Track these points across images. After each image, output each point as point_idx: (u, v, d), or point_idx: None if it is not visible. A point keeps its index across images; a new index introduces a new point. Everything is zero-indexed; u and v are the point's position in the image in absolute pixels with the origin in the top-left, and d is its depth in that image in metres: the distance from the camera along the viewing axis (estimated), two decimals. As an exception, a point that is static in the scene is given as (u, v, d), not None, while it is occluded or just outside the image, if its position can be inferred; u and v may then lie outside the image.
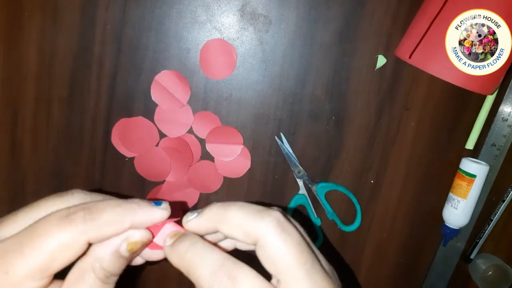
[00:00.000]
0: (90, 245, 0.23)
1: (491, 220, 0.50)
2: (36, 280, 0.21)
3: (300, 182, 0.49)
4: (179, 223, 0.26)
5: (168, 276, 0.51)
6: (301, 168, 0.49)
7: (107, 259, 0.23)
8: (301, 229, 0.24)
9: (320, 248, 0.25)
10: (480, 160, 0.48)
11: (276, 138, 0.48)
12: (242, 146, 0.48)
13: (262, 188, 0.49)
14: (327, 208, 0.50)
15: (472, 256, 0.51)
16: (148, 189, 0.49)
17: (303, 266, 0.22)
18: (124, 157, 0.48)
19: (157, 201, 0.25)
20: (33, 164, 0.49)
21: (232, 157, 0.48)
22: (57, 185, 0.49)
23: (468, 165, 0.47)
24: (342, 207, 0.50)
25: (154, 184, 0.49)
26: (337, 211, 0.50)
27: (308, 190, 0.49)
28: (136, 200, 0.24)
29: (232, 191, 0.49)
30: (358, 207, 0.50)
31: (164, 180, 0.49)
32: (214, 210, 0.24)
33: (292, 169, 0.49)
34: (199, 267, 0.23)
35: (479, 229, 0.51)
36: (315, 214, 0.50)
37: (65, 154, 0.49)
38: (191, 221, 0.25)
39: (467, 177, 0.47)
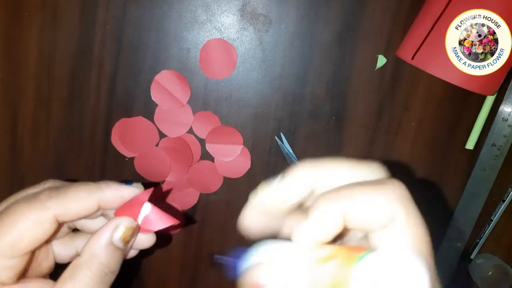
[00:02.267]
0: (60, 225, 0.23)
1: (491, 220, 0.50)
2: (8, 258, 0.22)
3: (300, 182, 0.49)
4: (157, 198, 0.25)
5: (168, 276, 0.51)
6: (301, 168, 0.49)
7: (103, 253, 0.23)
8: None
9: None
10: (480, 160, 0.48)
11: (276, 138, 0.48)
12: (242, 146, 0.48)
13: (262, 188, 0.49)
14: (327, 208, 0.50)
15: (472, 256, 0.51)
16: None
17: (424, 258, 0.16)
18: (124, 157, 0.48)
19: (127, 182, 0.25)
20: (33, 164, 0.49)
21: (232, 157, 0.48)
22: (57, 185, 0.49)
23: None
24: (342, 207, 0.50)
25: (154, 184, 0.49)
26: (337, 211, 0.50)
27: (308, 190, 0.49)
28: (105, 181, 0.25)
29: (232, 191, 0.49)
30: (358, 207, 0.50)
31: (164, 180, 0.49)
32: (305, 170, 0.19)
33: (292, 169, 0.49)
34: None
35: (479, 229, 0.51)
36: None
37: (65, 154, 0.49)
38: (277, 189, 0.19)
39: None
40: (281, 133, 0.48)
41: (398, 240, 0.17)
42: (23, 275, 0.24)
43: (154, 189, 0.25)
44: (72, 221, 0.25)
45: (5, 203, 0.24)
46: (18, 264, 0.23)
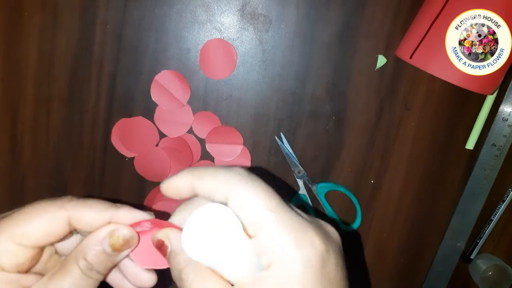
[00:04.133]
0: (71, 232, 0.24)
1: (491, 220, 0.50)
2: (16, 244, 0.23)
3: (300, 182, 0.49)
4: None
5: (168, 278, 0.51)
6: (301, 168, 0.49)
7: (90, 250, 0.24)
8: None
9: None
10: (480, 160, 0.48)
11: (276, 138, 0.48)
12: (242, 146, 0.48)
13: (262, 188, 0.49)
14: (327, 208, 0.50)
15: (472, 256, 0.51)
16: (148, 189, 0.49)
17: (272, 212, 0.21)
18: (124, 157, 0.48)
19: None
20: (33, 164, 0.49)
21: (232, 157, 0.48)
22: (57, 185, 0.49)
23: None
24: (342, 207, 0.50)
25: (154, 184, 0.49)
26: (337, 211, 0.50)
27: (308, 190, 0.49)
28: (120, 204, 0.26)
29: (232, 191, 0.49)
30: (358, 207, 0.50)
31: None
32: (187, 170, 0.24)
33: (292, 169, 0.49)
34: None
35: (479, 229, 0.51)
36: (315, 214, 0.50)
37: (65, 154, 0.49)
38: (169, 181, 0.24)
39: None
40: (281, 133, 0.48)
41: (236, 205, 0.22)
42: (25, 272, 0.25)
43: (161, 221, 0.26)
44: (82, 230, 0.25)
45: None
46: (23, 254, 0.24)
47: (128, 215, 0.25)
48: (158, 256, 0.25)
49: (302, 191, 0.49)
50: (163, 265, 0.25)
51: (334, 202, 0.50)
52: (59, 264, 0.24)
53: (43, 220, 0.24)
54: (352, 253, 0.51)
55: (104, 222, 0.25)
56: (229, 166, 0.23)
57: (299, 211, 0.24)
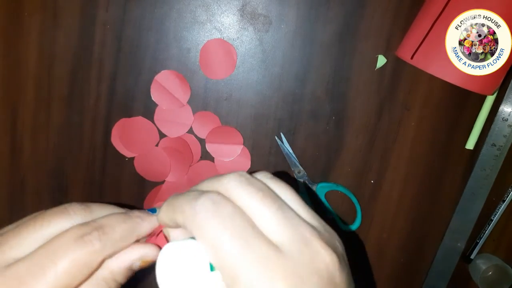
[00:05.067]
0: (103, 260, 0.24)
1: (491, 220, 0.50)
2: None
3: (300, 182, 0.49)
4: None
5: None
6: (301, 168, 0.49)
7: (120, 273, 0.25)
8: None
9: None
10: (480, 160, 0.48)
11: (276, 138, 0.48)
12: (242, 146, 0.48)
13: (262, 188, 0.49)
14: (327, 208, 0.50)
15: (472, 256, 0.51)
16: (148, 189, 0.49)
17: (234, 249, 0.20)
18: (124, 157, 0.48)
19: (151, 209, 0.27)
20: (33, 164, 0.49)
21: (232, 157, 0.48)
22: (57, 185, 0.49)
23: None
24: (342, 207, 0.50)
25: (154, 184, 0.49)
26: (337, 211, 0.50)
27: (308, 190, 0.49)
28: (137, 213, 0.26)
29: (232, 191, 0.49)
30: (358, 207, 0.50)
31: (164, 180, 0.49)
32: (167, 201, 0.24)
33: (292, 169, 0.49)
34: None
35: (479, 229, 0.51)
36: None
37: (65, 154, 0.49)
38: (159, 217, 0.25)
39: None
40: (281, 133, 0.48)
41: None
42: None
43: None
44: None
45: (37, 230, 0.24)
46: None
47: (150, 228, 0.26)
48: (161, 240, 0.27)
49: (302, 191, 0.49)
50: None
51: (334, 202, 0.50)
52: (87, 285, 0.24)
53: (78, 270, 0.23)
54: (352, 253, 0.51)
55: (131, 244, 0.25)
56: (199, 193, 0.22)
57: (304, 213, 0.23)
